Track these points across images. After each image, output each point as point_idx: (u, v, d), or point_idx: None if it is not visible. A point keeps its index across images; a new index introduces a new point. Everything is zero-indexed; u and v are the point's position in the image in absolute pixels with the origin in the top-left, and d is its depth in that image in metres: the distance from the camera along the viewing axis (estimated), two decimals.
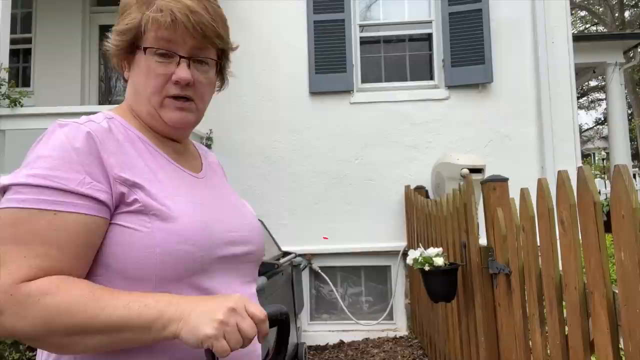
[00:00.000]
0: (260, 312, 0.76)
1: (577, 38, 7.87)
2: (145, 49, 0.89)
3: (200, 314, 0.73)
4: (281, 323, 0.83)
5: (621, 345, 1.22)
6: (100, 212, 0.79)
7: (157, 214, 0.82)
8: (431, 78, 5.01)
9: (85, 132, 0.82)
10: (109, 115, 0.90)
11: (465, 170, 3.89)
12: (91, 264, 0.81)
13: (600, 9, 21.43)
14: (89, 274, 0.81)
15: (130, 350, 0.79)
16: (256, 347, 0.87)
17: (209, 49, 0.92)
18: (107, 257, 0.81)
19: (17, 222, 0.76)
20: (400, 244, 4.59)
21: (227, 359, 0.74)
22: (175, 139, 0.98)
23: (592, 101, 24.19)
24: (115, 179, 0.81)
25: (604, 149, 20.33)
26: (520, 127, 4.73)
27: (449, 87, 4.82)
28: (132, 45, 0.91)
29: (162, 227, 0.81)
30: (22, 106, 3.82)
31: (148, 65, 0.89)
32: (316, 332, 4.55)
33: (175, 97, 0.90)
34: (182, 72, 0.89)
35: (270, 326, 0.80)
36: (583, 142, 22.45)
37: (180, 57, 0.89)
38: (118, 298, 0.75)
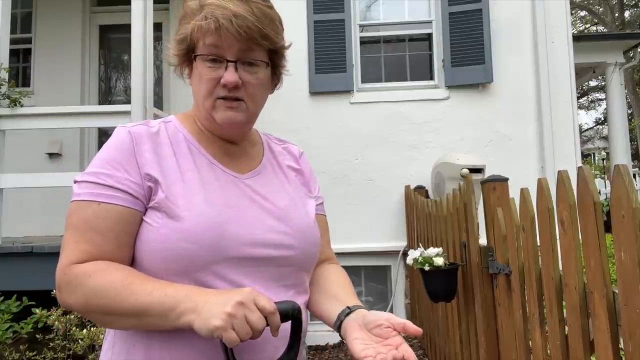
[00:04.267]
0: (269, 305, 0.79)
1: (577, 38, 7.87)
2: (195, 56, 0.96)
3: (211, 307, 0.78)
4: (293, 319, 0.85)
5: (621, 346, 1.22)
6: (134, 204, 0.90)
7: (167, 211, 0.89)
8: (431, 78, 5.01)
9: (127, 135, 0.94)
10: (167, 120, 1.02)
11: (465, 170, 3.89)
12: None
13: (600, 9, 21.44)
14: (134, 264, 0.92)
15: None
16: (269, 337, 0.84)
17: (257, 50, 0.95)
18: (134, 249, 0.91)
19: (74, 212, 0.90)
20: (400, 244, 4.59)
21: (242, 348, 0.79)
22: (231, 139, 1.03)
23: (592, 101, 24.20)
24: (143, 175, 0.91)
25: (604, 149, 20.35)
26: (520, 127, 4.73)
27: (449, 87, 4.82)
28: (190, 54, 0.97)
29: (168, 224, 0.88)
30: (22, 106, 3.82)
31: (200, 71, 0.95)
32: (316, 332, 4.54)
33: (225, 98, 0.95)
34: (229, 75, 0.93)
35: (283, 321, 0.82)
36: (583, 142, 22.44)
37: (228, 61, 0.93)
38: (146, 285, 0.84)
